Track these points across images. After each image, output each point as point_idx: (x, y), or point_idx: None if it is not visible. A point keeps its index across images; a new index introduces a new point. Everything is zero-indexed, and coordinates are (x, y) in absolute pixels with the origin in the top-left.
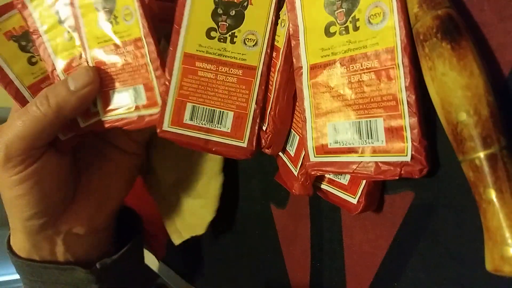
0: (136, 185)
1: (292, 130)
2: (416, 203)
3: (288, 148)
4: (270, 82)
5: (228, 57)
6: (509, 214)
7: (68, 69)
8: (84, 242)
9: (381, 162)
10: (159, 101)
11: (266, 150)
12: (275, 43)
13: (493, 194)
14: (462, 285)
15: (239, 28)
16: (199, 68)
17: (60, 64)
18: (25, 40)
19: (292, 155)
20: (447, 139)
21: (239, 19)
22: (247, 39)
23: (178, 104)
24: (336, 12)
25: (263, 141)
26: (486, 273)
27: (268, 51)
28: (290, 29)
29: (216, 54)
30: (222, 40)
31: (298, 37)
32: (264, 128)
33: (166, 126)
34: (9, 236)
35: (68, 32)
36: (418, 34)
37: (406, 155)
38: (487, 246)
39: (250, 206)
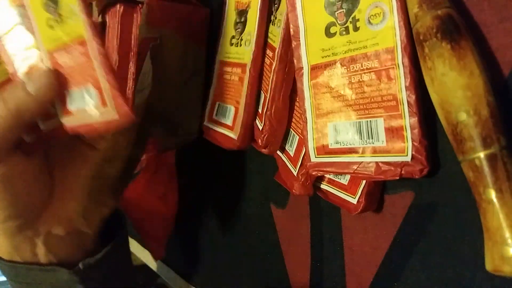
0: (136, 184)
1: (291, 130)
2: (416, 203)
3: (287, 148)
4: (266, 82)
5: (237, 58)
6: (509, 214)
7: (30, 71)
8: (66, 243)
9: (381, 162)
10: (108, 101)
11: (263, 150)
12: (271, 43)
13: (493, 194)
14: (462, 285)
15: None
16: (224, 71)
17: (21, 66)
18: None
19: (292, 155)
20: (447, 139)
21: (245, 24)
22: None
23: (212, 103)
24: (336, 12)
25: (259, 140)
26: (486, 273)
27: (256, 49)
28: (291, 30)
29: (232, 57)
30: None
31: (299, 38)
32: (260, 127)
33: (205, 122)
34: None
35: (26, 33)
36: (418, 34)
37: (407, 155)
38: (487, 246)
39: (250, 206)
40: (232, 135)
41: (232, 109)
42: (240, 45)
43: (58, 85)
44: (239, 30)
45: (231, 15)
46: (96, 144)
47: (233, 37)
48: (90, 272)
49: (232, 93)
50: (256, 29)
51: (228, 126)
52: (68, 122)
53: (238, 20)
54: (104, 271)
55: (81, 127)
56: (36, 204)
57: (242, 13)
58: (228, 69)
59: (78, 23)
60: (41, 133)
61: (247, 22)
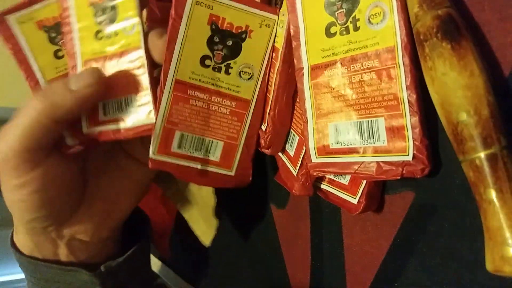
0: None
1: (291, 130)
2: (416, 203)
3: (287, 148)
4: (269, 83)
5: (222, 87)
6: (510, 214)
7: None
8: (88, 248)
9: (382, 162)
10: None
11: (266, 151)
12: (274, 44)
13: (493, 194)
14: (462, 285)
15: (235, 60)
16: (191, 96)
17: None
18: (55, 31)
19: (292, 156)
20: (448, 139)
21: (235, 50)
22: (243, 72)
23: (166, 132)
24: (336, 12)
25: (262, 141)
26: (486, 273)
27: (263, 86)
28: (291, 31)
29: (210, 83)
30: (216, 70)
31: (299, 38)
32: (263, 128)
33: (152, 154)
34: (13, 231)
35: (105, 36)
36: (419, 34)
37: (408, 155)
38: (487, 246)
39: (250, 207)
40: (230, 172)
41: (221, 144)
42: (229, 73)
43: (103, 86)
44: (222, 54)
45: (198, 28)
46: (142, 158)
47: (206, 57)
48: (110, 275)
49: (218, 126)
50: (264, 65)
51: (214, 162)
52: (113, 128)
53: (217, 40)
54: (125, 274)
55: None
56: (66, 209)
57: (231, 36)
58: (204, 95)
59: (135, 35)
60: (83, 138)
61: (243, 51)
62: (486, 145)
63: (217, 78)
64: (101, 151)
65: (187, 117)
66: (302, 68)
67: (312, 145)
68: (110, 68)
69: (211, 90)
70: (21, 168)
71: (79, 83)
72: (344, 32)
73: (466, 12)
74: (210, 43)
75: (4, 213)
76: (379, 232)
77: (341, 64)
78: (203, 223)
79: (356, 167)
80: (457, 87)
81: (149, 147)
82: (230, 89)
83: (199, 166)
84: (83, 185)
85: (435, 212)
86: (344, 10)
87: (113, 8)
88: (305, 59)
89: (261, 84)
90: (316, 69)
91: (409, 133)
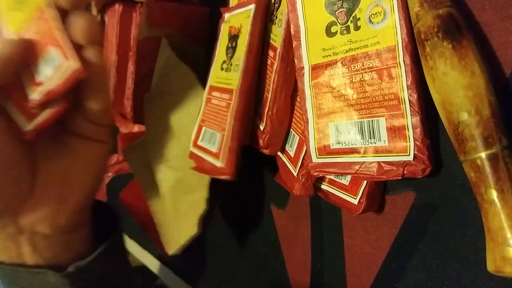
0: (136, 185)
1: (292, 130)
2: (417, 204)
3: (287, 148)
4: (268, 82)
5: (226, 84)
6: (511, 215)
7: None
8: (52, 243)
9: (383, 162)
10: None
11: (264, 150)
12: (272, 43)
13: (494, 195)
14: (463, 285)
15: (233, 57)
16: (213, 96)
17: None
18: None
19: (292, 156)
20: (448, 139)
21: (235, 49)
22: (235, 65)
23: (198, 128)
24: (337, 12)
25: (261, 141)
26: (487, 273)
27: (243, 75)
28: (292, 30)
29: (222, 83)
30: (226, 70)
31: (300, 38)
32: (261, 128)
33: (191, 148)
34: None
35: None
36: (419, 34)
37: (409, 155)
38: (488, 247)
39: (250, 207)
40: (218, 163)
41: (218, 135)
42: (230, 70)
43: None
44: (230, 55)
45: (223, 40)
46: (92, 134)
47: (224, 61)
48: (81, 275)
49: (219, 119)
50: (244, 55)
51: (214, 154)
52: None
53: (229, 45)
54: (97, 273)
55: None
56: (17, 194)
57: (234, 38)
58: (217, 94)
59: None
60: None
61: (237, 47)
62: (487, 145)
63: (225, 77)
64: (46, 133)
65: (209, 115)
66: (303, 68)
67: (313, 145)
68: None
69: (221, 88)
70: None
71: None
72: (345, 32)
73: (467, 11)
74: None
75: None
76: (380, 233)
77: (341, 63)
78: (175, 232)
79: (357, 167)
80: (458, 86)
81: (96, 120)
82: (225, 83)
83: (207, 158)
84: (32, 170)
85: (436, 212)
86: (345, 9)
87: None
88: (306, 59)
89: (242, 74)
90: (316, 69)
91: (410, 133)
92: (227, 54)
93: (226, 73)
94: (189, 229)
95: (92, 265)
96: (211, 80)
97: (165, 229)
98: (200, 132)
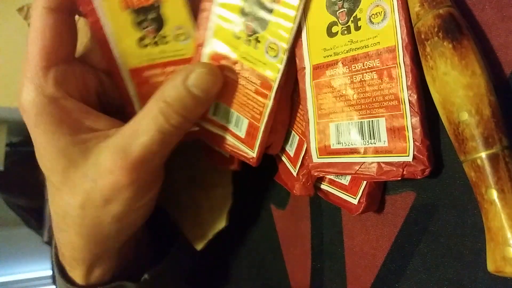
0: None
1: (292, 130)
2: (417, 204)
3: (287, 148)
4: None
5: (250, 62)
6: (511, 215)
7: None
8: (121, 257)
9: (383, 162)
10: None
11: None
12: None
13: (495, 195)
14: (463, 285)
15: (262, 34)
16: (223, 67)
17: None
18: (143, 15)
19: (292, 156)
20: (449, 139)
21: (263, 23)
22: (270, 48)
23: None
24: (337, 12)
25: None
26: (487, 273)
27: (285, 69)
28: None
29: (240, 56)
30: (247, 43)
31: (301, 38)
32: None
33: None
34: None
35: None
36: (420, 33)
37: (408, 155)
38: (488, 247)
39: (250, 207)
40: (249, 151)
41: (246, 122)
42: (257, 48)
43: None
44: (252, 26)
45: None
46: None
47: (240, 30)
48: (156, 281)
49: (245, 102)
50: (289, 43)
51: (239, 138)
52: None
53: (248, 11)
54: (167, 277)
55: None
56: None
57: (260, 5)
58: (236, 67)
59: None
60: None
61: (270, 25)
62: (488, 145)
63: (245, 51)
64: None
65: (229, 92)
66: (304, 68)
67: (313, 145)
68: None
69: (240, 63)
70: (142, 190)
71: (202, 84)
72: (346, 32)
73: (467, 11)
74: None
75: (5, 212)
76: (380, 233)
77: (342, 64)
78: (201, 227)
79: (357, 167)
80: (459, 86)
81: None
82: (256, 64)
83: (225, 135)
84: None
85: (436, 212)
86: (346, 9)
87: None
88: (307, 59)
89: (284, 64)
90: (317, 69)
91: (409, 134)
92: (245, 22)
93: (249, 47)
94: (216, 223)
95: (165, 270)
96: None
97: (189, 226)
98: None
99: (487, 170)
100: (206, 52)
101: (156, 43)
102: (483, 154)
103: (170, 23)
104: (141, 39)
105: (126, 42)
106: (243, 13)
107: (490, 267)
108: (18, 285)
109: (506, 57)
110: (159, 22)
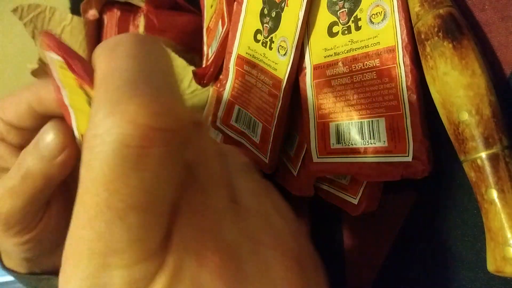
0: None
1: (292, 130)
2: (417, 204)
3: (287, 148)
4: None
5: (266, 64)
6: (511, 215)
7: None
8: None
9: (383, 162)
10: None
11: None
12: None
13: (495, 195)
14: (463, 285)
15: (275, 33)
16: (246, 72)
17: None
18: None
19: (292, 156)
20: (449, 139)
21: (277, 22)
22: (280, 47)
23: (229, 104)
24: (338, 12)
25: None
26: (487, 273)
27: (292, 66)
28: None
29: (259, 59)
30: (264, 45)
31: (302, 38)
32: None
33: (218, 123)
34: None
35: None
36: (420, 33)
37: (408, 155)
38: (488, 247)
39: None
40: (263, 158)
41: (260, 126)
42: (271, 48)
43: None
44: (269, 26)
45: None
46: None
47: (258, 31)
48: None
49: (261, 106)
50: (296, 39)
51: (255, 143)
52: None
53: (267, 11)
54: None
55: None
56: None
57: (275, 5)
58: (254, 71)
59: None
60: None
61: (282, 22)
62: (488, 145)
63: (263, 54)
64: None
65: (243, 93)
66: (305, 68)
67: (313, 145)
68: None
69: (259, 67)
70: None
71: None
72: (346, 32)
73: (467, 11)
74: (262, 15)
75: None
76: (380, 233)
77: (343, 63)
78: None
79: (357, 167)
80: (459, 86)
81: None
82: (270, 66)
83: (245, 143)
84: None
85: (436, 212)
86: (346, 9)
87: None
88: (308, 59)
89: (292, 61)
90: (318, 69)
91: (409, 134)
92: (262, 22)
93: (265, 49)
94: None
95: None
96: (240, 47)
97: None
98: (232, 110)
99: (487, 170)
100: (233, 58)
101: None
102: (483, 154)
103: None
104: None
105: None
106: (262, 15)
107: (490, 267)
108: (18, 285)
109: (506, 57)
110: None
